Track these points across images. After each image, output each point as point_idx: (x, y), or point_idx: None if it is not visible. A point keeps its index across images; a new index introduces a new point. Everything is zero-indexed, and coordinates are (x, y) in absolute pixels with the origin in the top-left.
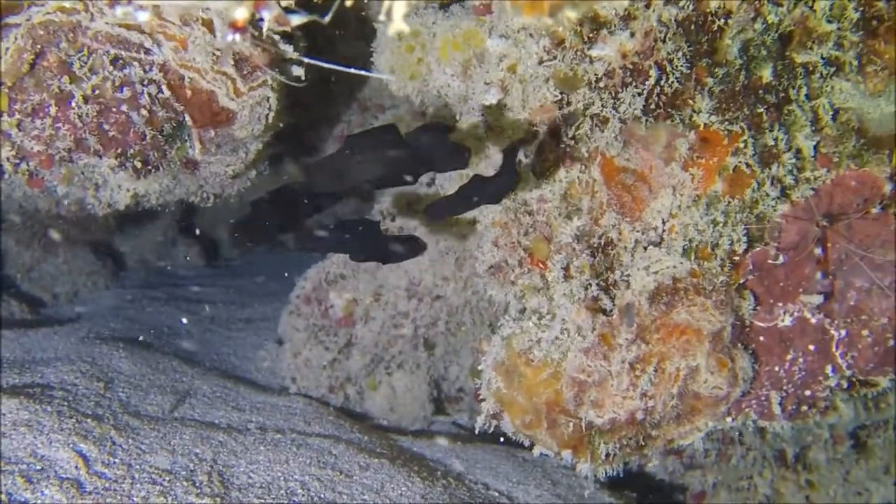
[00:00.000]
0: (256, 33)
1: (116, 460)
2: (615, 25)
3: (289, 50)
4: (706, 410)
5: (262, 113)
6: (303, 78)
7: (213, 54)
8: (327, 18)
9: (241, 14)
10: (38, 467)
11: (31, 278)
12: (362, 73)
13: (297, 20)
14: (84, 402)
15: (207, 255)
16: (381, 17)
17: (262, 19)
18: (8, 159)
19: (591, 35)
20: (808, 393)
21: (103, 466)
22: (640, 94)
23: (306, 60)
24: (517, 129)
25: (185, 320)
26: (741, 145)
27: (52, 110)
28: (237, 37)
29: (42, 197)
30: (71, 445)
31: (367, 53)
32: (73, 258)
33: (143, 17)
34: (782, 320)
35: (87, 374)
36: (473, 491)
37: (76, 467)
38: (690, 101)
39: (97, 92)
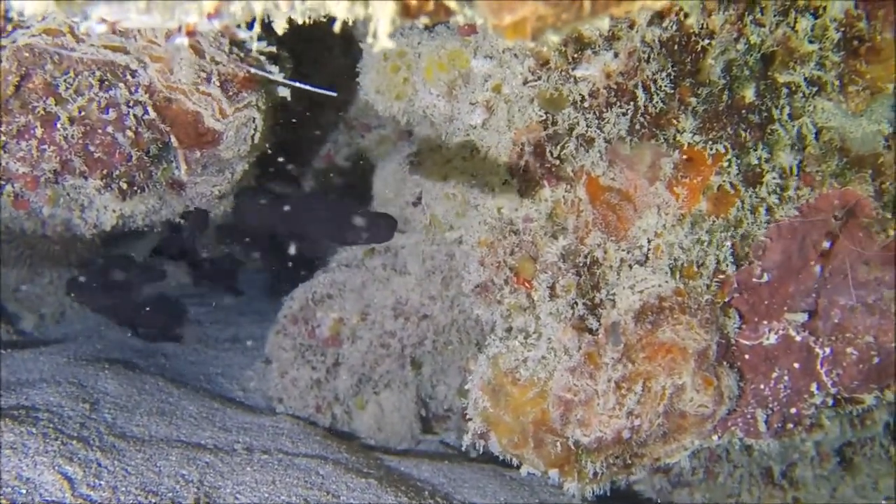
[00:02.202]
0: (242, 54)
1: (102, 482)
2: (599, 46)
3: (274, 71)
4: (692, 429)
5: (248, 133)
6: (288, 99)
7: (199, 75)
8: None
9: (192, 18)
10: (23, 490)
11: (17, 299)
12: (325, 91)
13: (243, 35)
14: (69, 423)
15: (194, 274)
16: (369, 39)
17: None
18: None
19: (575, 55)
20: (793, 410)
21: (88, 489)
22: (624, 114)
23: (277, 78)
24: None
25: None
26: (725, 164)
27: (38, 132)
28: (185, 40)
29: (28, 218)
30: (56, 467)
31: (353, 73)
32: (59, 279)
33: (101, 29)
34: (767, 338)
35: (72, 396)
36: None
37: (61, 490)
38: (674, 121)
39: (83, 113)
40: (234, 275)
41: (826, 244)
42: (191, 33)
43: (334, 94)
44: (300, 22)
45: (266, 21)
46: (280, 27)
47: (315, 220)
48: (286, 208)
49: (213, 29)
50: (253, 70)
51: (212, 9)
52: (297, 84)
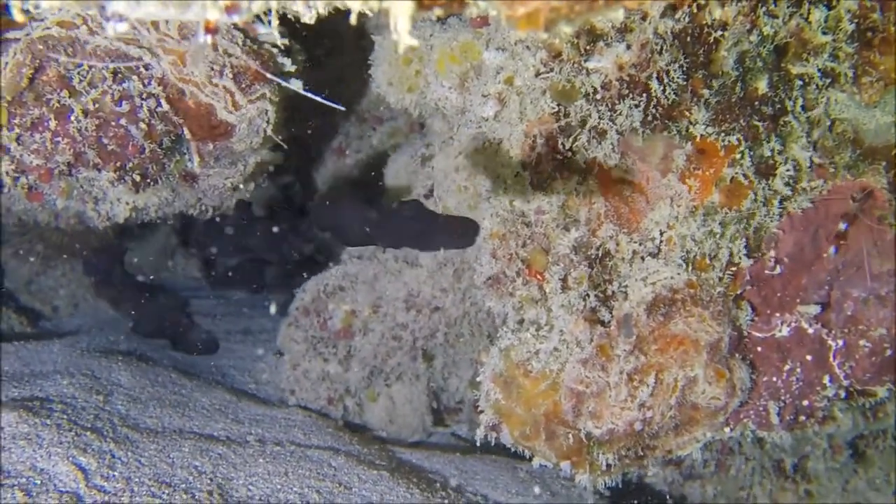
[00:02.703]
0: (255, 47)
1: (115, 473)
2: (612, 38)
3: (286, 63)
4: (704, 421)
5: (261, 126)
6: (301, 91)
7: (212, 68)
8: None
9: (212, 15)
10: (38, 481)
11: (31, 291)
12: (332, 104)
13: (263, 30)
14: (83, 414)
15: (206, 267)
16: (392, 36)
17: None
18: (7, 173)
19: (587, 47)
20: (805, 403)
21: (102, 479)
22: (636, 106)
23: (283, 83)
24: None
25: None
26: (738, 156)
27: (52, 124)
28: (209, 38)
29: (41, 210)
30: (70, 458)
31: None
32: (71, 271)
33: (122, 27)
34: (780, 331)
35: (86, 387)
36: (472, 503)
37: (75, 480)
38: (687, 113)
39: (96, 106)
40: (257, 274)
41: (842, 226)
42: (212, 30)
43: (342, 108)
44: (316, 14)
45: (280, 13)
46: (310, 17)
47: (400, 227)
48: (368, 214)
49: (229, 23)
50: (267, 74)
51: (229, 4)
52: (304, 93)
